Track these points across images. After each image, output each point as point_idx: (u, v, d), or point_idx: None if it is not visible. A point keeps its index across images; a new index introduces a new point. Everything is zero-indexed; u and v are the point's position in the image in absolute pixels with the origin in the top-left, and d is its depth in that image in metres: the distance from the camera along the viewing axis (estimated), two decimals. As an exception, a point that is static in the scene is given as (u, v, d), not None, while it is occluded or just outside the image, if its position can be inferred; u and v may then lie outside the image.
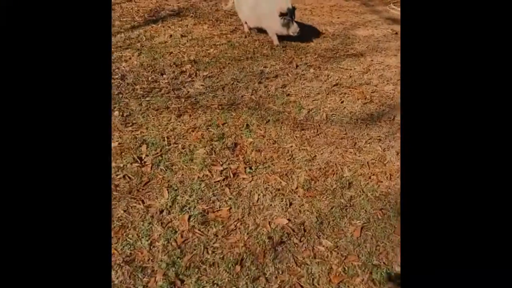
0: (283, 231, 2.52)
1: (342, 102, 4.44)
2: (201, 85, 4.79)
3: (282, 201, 2.79)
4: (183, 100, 4.35)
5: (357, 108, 4.31)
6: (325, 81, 4.97)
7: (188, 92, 4.46)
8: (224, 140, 3.70)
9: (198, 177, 2.98)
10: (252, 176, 3.16)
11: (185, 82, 4.82)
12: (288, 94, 4.65)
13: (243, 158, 3.45)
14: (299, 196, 2.91)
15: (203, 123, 3.84)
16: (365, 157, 3.46)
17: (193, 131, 3.76)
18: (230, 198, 2.81)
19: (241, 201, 2.78)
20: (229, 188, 2.91)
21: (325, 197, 2.93)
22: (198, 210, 2.64)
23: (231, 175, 3.16)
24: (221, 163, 3.35)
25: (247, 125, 3.92)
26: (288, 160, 3.51)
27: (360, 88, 4.81)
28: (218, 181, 3.00)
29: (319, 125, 4.06)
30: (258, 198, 2.82)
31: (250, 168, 3.21)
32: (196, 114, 4.08)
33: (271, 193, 2.90)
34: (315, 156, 3.57)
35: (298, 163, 3.48)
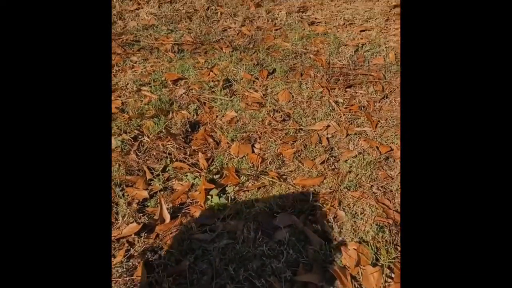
0: None
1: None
2: (152, 13, 2.57)
3: None
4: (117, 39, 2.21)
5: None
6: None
7: (126, 26, 2.34)
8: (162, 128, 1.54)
9: None
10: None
11: (126, 10, 2.61)
12: (313, 22, 2.36)
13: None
14: None
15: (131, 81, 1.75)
16: None
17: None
18: None
19: None
20: None
21: None
22: None
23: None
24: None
25: (228, 82, 1.76)
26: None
27: None
28: None
29: (384, 77, 1.85)
30: None
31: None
32: (131, 63, 1.97)
33: None
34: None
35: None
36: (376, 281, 1.03)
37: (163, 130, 1.59)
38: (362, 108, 1.76)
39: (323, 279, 1.04)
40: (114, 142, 1.52)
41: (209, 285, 1.04)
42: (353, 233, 1.16)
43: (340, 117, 1.69)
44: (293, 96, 1.83)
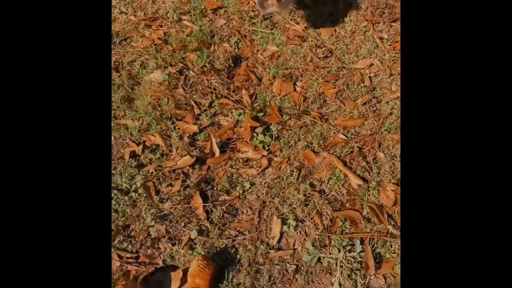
0: None
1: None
2: None
3: None
4: None
5: None
6: None
7: None
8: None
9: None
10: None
11: None
12: None
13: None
14: None
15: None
16: None
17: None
18: None
19: None
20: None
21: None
22: None
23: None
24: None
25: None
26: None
27: None
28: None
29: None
30: None
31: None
32: None
33: None
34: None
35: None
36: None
37: (207, 65, 1.62)
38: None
39: (361, 215, 1.15)
40: (161, 75, 1.57)
41: (257, 216, 1.17)
42: (391, 175, 1.24)
43: (384, 54, 1.66)
44: (335, 30, 1.78)
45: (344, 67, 1.62)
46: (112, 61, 1.67)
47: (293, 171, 1.26)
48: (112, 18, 1.92)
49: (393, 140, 1.34)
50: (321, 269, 1.06)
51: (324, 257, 1.07)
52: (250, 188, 1.24)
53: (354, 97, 1.50)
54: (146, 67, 1.63)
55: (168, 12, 1.90)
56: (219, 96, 1.51)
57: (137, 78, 1.59)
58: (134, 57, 1.67)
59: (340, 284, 1.02)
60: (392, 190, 1.18)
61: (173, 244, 1.11)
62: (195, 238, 1.12)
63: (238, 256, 1.09)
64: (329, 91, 1.52)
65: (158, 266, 1.07)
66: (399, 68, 1.62)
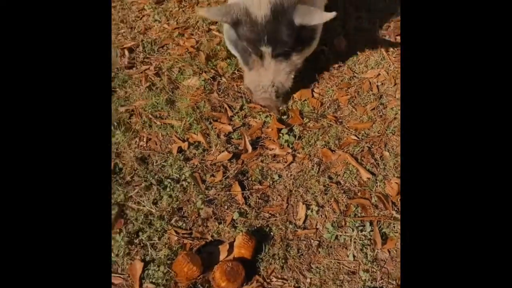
0: None
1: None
2: None
3: None
4: None
5: None
6: None
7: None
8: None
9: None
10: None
11: None
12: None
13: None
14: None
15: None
16: None
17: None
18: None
19: None
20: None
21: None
22: None
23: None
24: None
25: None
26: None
27: None
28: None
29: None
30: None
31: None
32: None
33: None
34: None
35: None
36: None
37: (236, 72, 1.87)
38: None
39: (370, 202, 1.42)
40: (198, 81, 1.82)
41: (285, 202, 1.44)
42: (394, 170, 1.51)
43: (390, 66, 1.92)
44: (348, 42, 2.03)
45: (355, 76, 1.87)
46: (153, 67, 1.92)
47: (314, 166, 1.53)
48: (148, 26, 2.16)
49: (396, 141, 1.61)
50: (338, 244, 1.33)
51: (341, 235, 1.34)
52: (278, 179, 1.51)
53: (364, 103, 1.76)
54: (183, 73, 1.87)
55: (198, 22, 2.14)
56: (248, 100, 1.76)
57: (176, 82, 1.84)
58: (172, 64, 1.91)
59: (354, 256, 1.29)
60: (396, 183, 1.45)
61: (219, 223, 1.37)
62: (236, 219, 1.38)
63: (272, 233, 1.35)
64: (343, 97, 1.77)
65: (208, 241, 1.34)
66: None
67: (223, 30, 1.81)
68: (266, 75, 1.61)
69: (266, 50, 1.53)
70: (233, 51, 1.71)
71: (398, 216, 1.38)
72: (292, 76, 1.67)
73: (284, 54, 1.57)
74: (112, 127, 1.63)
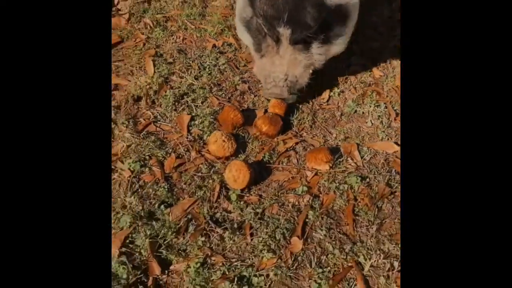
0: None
1: None
2: None
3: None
4: None
5: None
6: None
7: None
8: None
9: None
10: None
11: None
12: None
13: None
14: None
15: None
16: None
17: None
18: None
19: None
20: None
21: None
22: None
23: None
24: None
25: None
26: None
27: None
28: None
29: None
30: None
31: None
32: None
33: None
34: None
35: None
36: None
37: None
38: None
39: (383, 90, 1.64)
40: (226, 1, 2.02)
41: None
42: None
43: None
44: None
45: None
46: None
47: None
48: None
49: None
50: (357, 116, 1.55)
51: (359, 109, 1.55)
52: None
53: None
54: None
55: None
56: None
57: (206, 1, 2.03)
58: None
59: (372, 123, 1.50)
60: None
61: (255, 96, 1.55)
62: (269, 94, 1.57)
63: (300, 106, 1.55)
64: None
65: (244, 109, 1.51)
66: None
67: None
68: (280, 65, 1.38)
69: (284, 32, 1.32)
70: (244, 36, 1.50)
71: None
72: (310, 72, 1.44)
73: (304, 42, 1.36)
74: (151, 25, 1.80)
